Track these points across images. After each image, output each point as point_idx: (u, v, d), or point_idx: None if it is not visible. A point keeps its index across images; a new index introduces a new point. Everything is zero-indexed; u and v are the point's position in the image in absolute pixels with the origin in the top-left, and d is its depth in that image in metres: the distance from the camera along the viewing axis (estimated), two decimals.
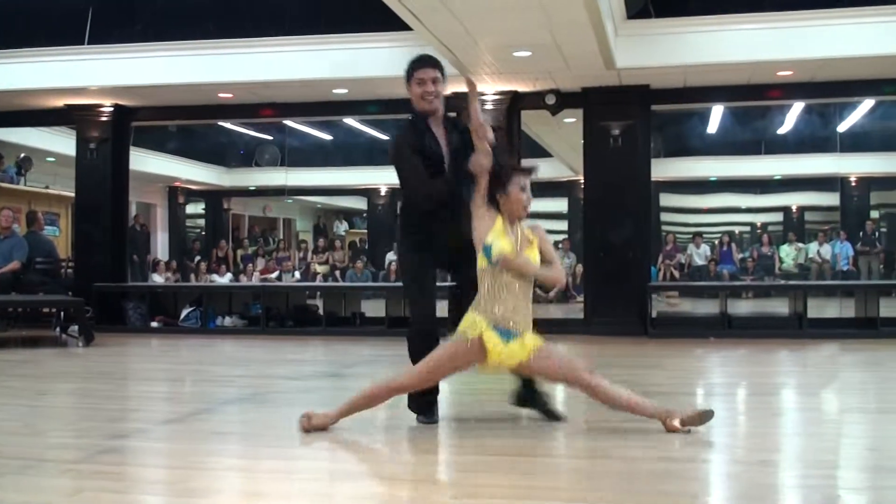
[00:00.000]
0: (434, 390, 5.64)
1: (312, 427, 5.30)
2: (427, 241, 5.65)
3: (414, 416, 5.62)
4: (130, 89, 13.06)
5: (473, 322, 5.20)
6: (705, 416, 5.24)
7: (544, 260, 5.36)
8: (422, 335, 5.57)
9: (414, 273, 5.77)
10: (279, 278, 19.07)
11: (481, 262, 5.25)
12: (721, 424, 5.46)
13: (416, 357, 5.47)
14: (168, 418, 6.17)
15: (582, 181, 13.34)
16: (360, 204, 23.94)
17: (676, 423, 5.17)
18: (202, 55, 12.49)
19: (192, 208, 23.07)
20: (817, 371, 9.34)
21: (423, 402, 5.64)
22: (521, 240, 5.29)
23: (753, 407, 6.95)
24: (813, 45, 11.07)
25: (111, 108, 13.86)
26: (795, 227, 21.50)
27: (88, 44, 12.72)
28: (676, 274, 19.07)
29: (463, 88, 5.50)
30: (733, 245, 20.38)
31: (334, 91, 12.98)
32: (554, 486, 4.27)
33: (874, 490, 4.23)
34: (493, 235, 5.22)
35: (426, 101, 5.63)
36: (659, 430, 5.21)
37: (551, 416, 5.68)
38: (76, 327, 11.37)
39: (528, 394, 5.78)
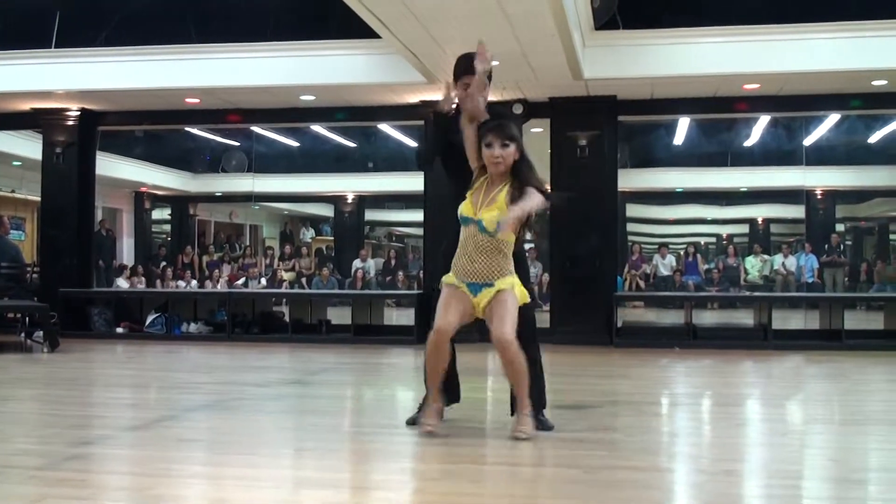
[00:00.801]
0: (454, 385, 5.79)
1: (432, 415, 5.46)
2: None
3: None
4: (97, 93, 12.98)
5: (448, 278, 5.39)
6: (538, 424, 5.41)
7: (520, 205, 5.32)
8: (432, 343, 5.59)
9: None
10: (245, 285, 18.99)
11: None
12: (685, 434, 5.50)
13: (427, 359, 5.53)
14: (133, 425, 6.13)
15: (549, 191, 13.33)
16: (326, 211, 23.85)
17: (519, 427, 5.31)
18: (169, 60, 12.42)
19: (158, 214, 22.92)
20: (782, 382, 9.39)
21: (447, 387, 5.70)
22: (489, 200, 5.35)
23: (718, 417, 6.98)
24: (780, 59, 11.17)
25: (78, 113, 13.77)
26: (761, 238, 21.59)
27: (55, 47, 12.64)
28: (642, 284, 19.11)
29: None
30: (699, 256, 20.42)
31: (301, 97, 12.97)
32: (516, 494, 4.28)
33: (837, 500, 4.27)
34: (468, 194, 5.40)
35: (465, 102, 5.70)
36: (624, 439, 5.24)
37: (542, 426, 5.67)
38: (41, 333, 11.27)
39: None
